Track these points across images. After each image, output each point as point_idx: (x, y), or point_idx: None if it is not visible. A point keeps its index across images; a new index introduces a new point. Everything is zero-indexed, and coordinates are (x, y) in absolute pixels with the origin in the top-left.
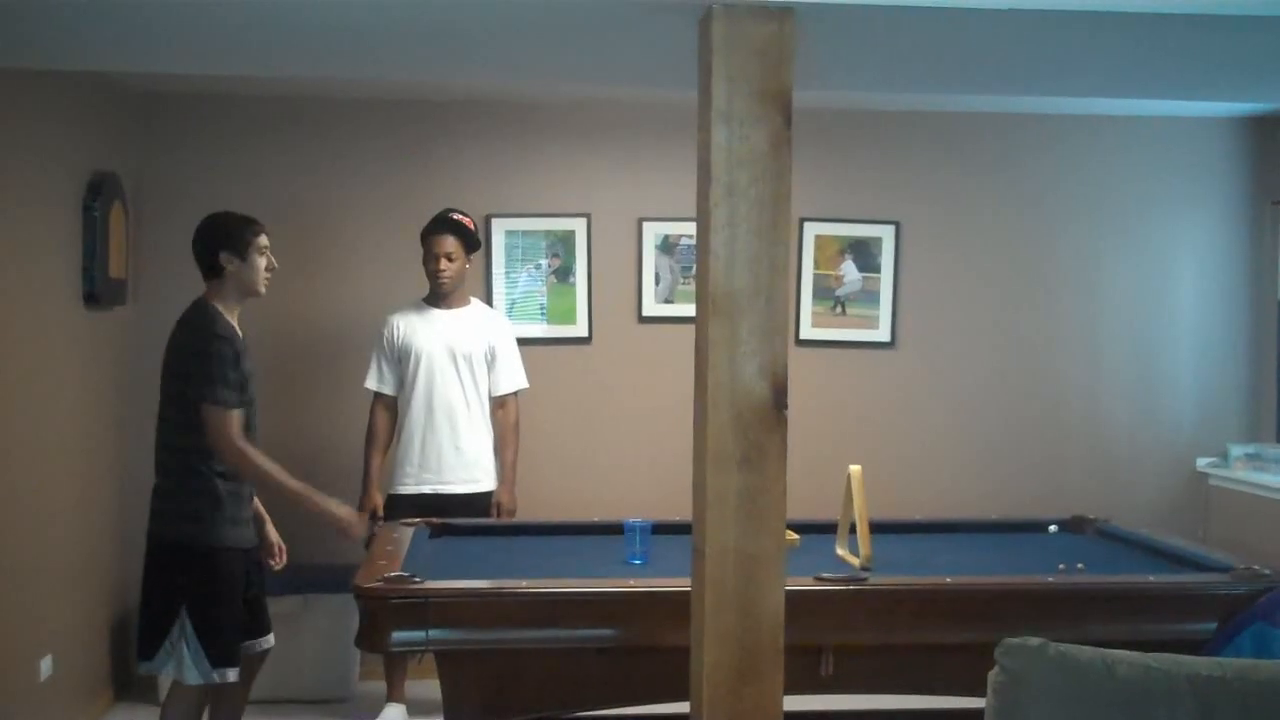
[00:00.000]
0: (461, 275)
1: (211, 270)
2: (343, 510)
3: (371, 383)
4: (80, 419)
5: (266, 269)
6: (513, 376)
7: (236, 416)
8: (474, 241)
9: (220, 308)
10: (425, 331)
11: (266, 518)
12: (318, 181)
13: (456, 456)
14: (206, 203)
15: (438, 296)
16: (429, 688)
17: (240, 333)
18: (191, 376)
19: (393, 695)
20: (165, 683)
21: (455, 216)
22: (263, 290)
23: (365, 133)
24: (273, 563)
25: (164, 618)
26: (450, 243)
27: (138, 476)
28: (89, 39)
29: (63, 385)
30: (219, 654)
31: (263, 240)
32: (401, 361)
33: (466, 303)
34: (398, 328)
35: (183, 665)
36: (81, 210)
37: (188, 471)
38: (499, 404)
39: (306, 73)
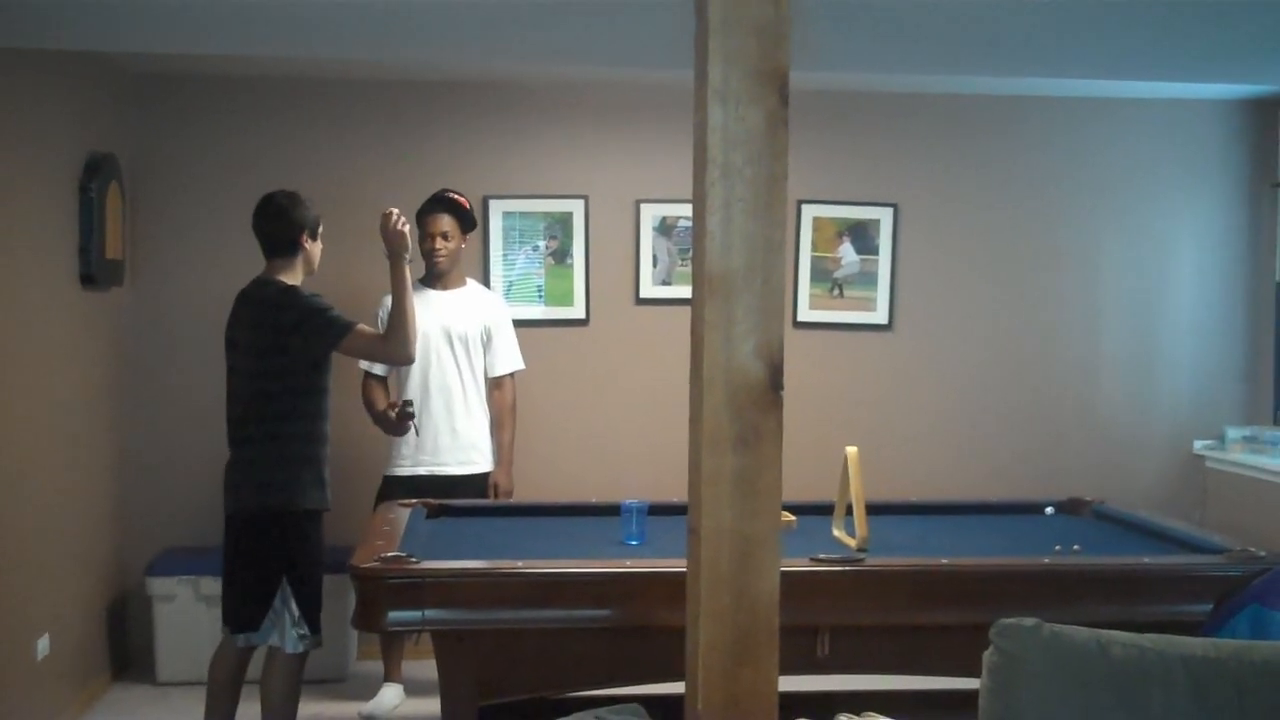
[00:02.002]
0: (457, 255)
1: (289, 249)
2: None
3: (363, 362)
4: (77, 400)
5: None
6: (509, 358)
7: (365, 328)
8: (470, 221)
9: (293, 283)
10: (421, 312)
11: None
12: (315, 162)
13: (453, 438)
14: (203, 184)
15: (433, 277)
16: (426, 668)
17: None
18: (314, 331)
19: (390, 675)
20: (165, 663)
21: (450, 195)
22: (316, 269)
23: (362, 114)
24: None
25: (264, 588)
26: (446, 221)
27: (134, 456)
28: (86, 19)
29: (59, 366)
30: (317, 619)
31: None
32: None
33: (463, 283)
34: None
35: (285, 634)
36: (78, 191)
37: (280, 438)
38: (495, 385)
39: (303, 54)
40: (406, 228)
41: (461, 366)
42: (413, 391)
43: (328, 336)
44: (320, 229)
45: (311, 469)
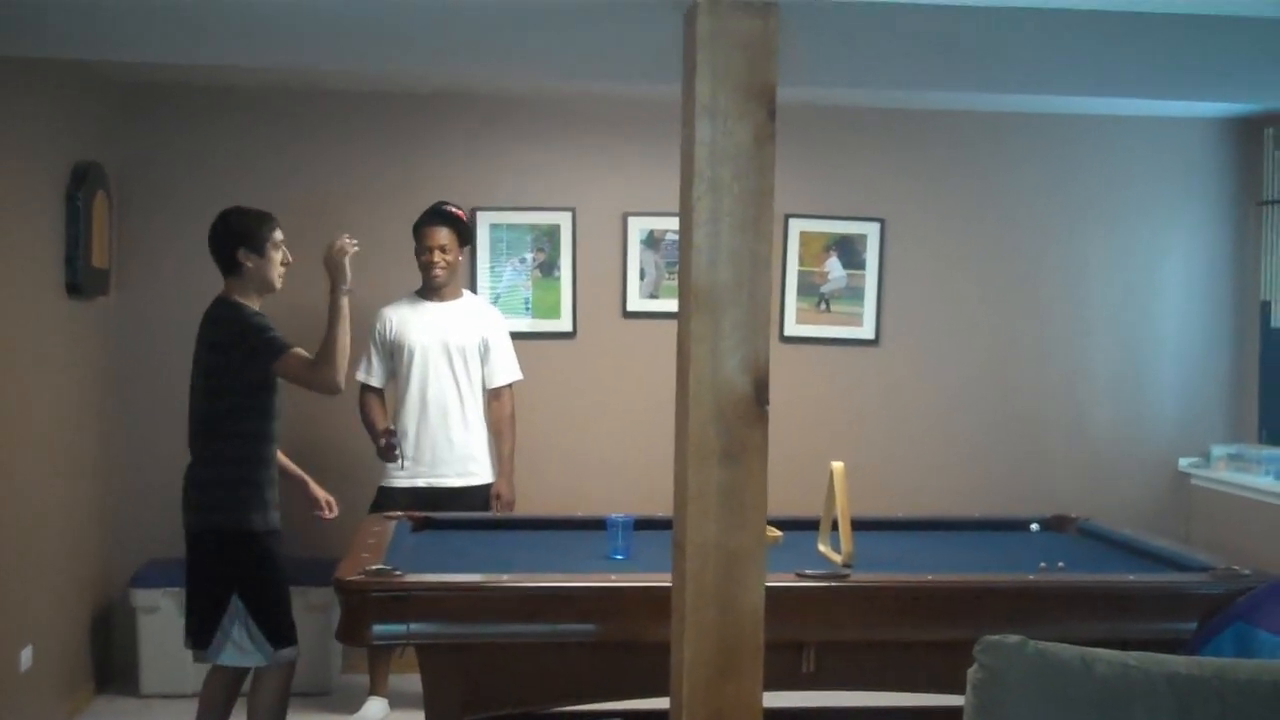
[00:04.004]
0: (455, 268)
1: (231, 267)
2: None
3: (360, 374)
4: (62, 409)
5: (282, 263)
6: (507, 369)
7: (299, 352)
8: (467, 234)
9: (242, 301)
10: (418, 325)
11: (307, 478)
12: (303, 174)
13: (450, 450)
14: (190, 194)
15: (430, 289)
16: (412, 681)
17: None
18: (249, 353)
19: (375, 689)
20: (148, 675)
21: (448, 208)
22: (278, 285)
23: (351, 125)
24: (322, 514)
25: (215, 606)
26: (443, 234)
27: (119, 467)
28: (73, 28)
29: (45, 375)
30: (279, 634)
31: (278, 235)
32: (394, 355)
33: (459, 295)
34: (390, 321)
35: (243, 650)
36: (65, 200)
37: (232, 459)
38: (494, 396)
39: (291, 64)
40: (348, 255)
41: (459, 378)
42: (411, 403)
43: (261, 358)
44: (272, 241)
45: (249, 489)
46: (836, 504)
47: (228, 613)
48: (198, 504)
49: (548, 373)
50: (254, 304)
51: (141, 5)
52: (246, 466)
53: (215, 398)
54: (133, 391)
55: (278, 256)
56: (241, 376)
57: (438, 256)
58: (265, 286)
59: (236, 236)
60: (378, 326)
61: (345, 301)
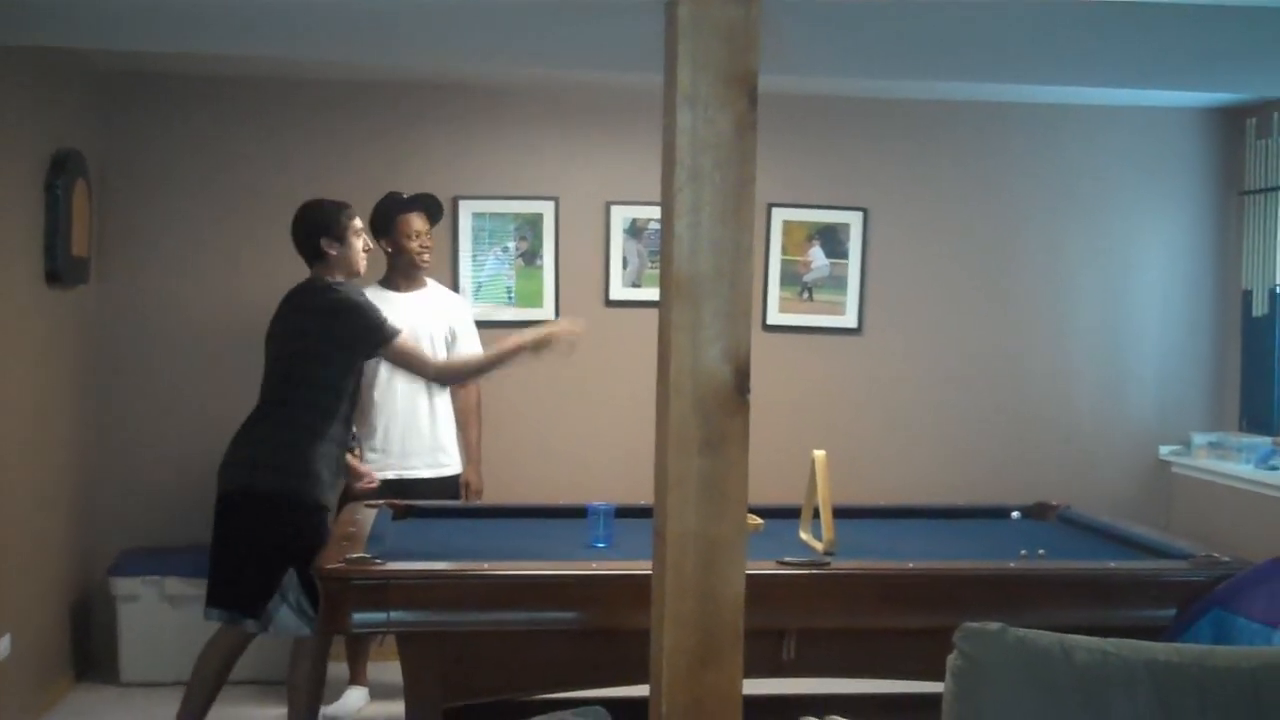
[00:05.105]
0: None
1: (316, 256)
2: (544, 329)
3: None
4: (41, 398)
5: (364, 249)
6: None
7: (410, 342)
8: (439, 213)
9: (343, 279)
10: (385, 314)
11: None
12: (283, 163)
13: (419, 441)
14: (171, 182)
15: (397, 280)
16: (391, 670)
17: None
18: (352, 336)
19: (355, 679)
20: (128, 664)
21: (422, 195)
22: (362, 269)
23: (332, 114)
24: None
25: (268, 573)
26: (422, 220)
27: (98, 455)
28: (54, 14)
29: (23, 364)
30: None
31: (357, 223)
32: None
33: (424, 284)
34: None
35: (289, 623)
36: (44, 188)
37: (312, 432)
38: (460, 385)
39: (276, 54)
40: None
41: None
42: (378, 396)
43: (373, 342)
44: (352, 228)
45: (323, 462)
46: (818, 492)
47: (284, 581)
48: (255, 467)
49: (530, 362)
50: None
51: None
52: (322, 440)
53: (310, 363)
54: (112, 380)
55: (359, 243)
56: (345, 349)
57: (425, 242)
58: (351, 271)
59: (318, 227)
60: None
61: (509, 354)
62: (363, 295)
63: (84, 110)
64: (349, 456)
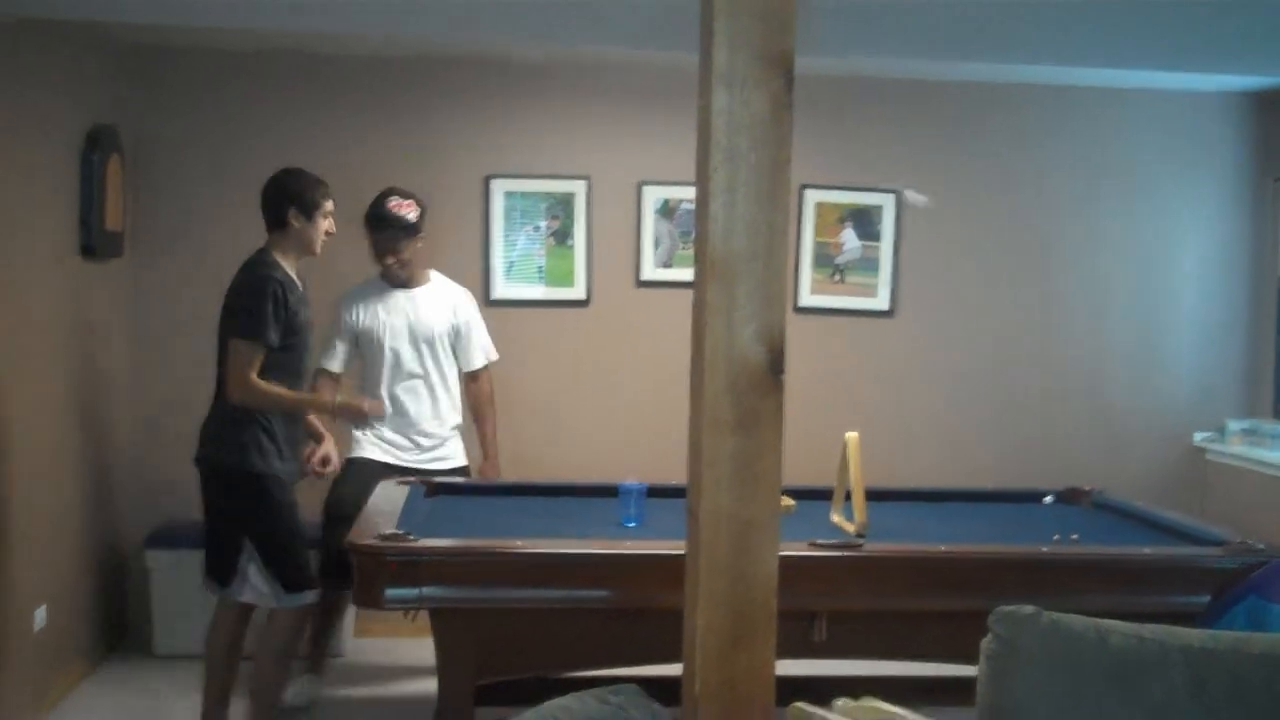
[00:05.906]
0: (414, 260)
1: (277, 223)
2: (355, 401)
3: (321, 360)
4: (76, 370)
5: (326, 232)
6: (483, 350)
7: (257, 358)
8: (418, 226)
9: (279, 258)
10: (385, 315)
11: (327, 440)
12: (314, 138)
13: (422, 439)
14: (203, 157)
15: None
16: (424, 646)
17: (299, 284)
18: (238, 312)
19: (314, 668)
20: (161, 635)
21: (394, 210)
22: (318, 252)
23: (364, 90)
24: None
25: (229, 544)
26: (395, 239)
27: (133, 428)
28: None
29: (58, 335)
30: (287, 578)
31: (329, 205)
32: (362, 346)
33: (427, 280)
34: (357, 313)
35: (259, 591)
36: (79, 162)
37: (241, 407)
38: (471, 379)
39: (304, 27)
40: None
41: (429, 367)
42: (382, 394)
43: (236, 324)
44: (322, 209)
45: (251, 432)
46: (850, 474)
47: (243, 552)
48: (203, 440)
49: (561, 341)
50: (291, 264)
51: None
52: (248, 411)
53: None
54: (146, 352)
55: (323, 224)
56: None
57: (394, 260)
58: (306, 249)
59: (290, 196)
60: (345, 316)
61: (320, 406)
62: (273, 286)
63: (118, 86)
64: (353, 400)
